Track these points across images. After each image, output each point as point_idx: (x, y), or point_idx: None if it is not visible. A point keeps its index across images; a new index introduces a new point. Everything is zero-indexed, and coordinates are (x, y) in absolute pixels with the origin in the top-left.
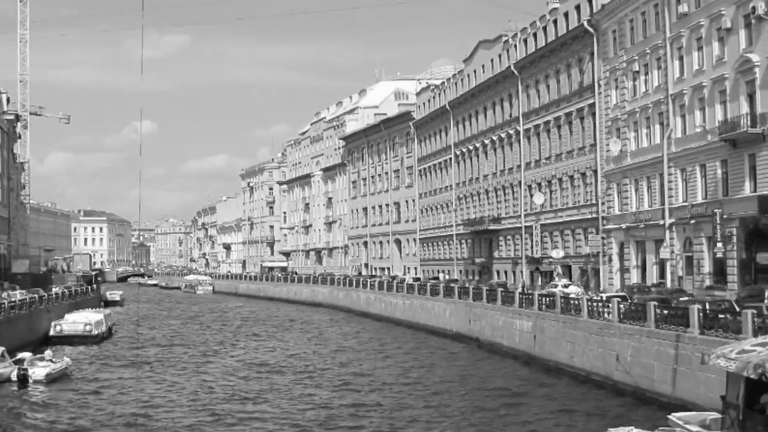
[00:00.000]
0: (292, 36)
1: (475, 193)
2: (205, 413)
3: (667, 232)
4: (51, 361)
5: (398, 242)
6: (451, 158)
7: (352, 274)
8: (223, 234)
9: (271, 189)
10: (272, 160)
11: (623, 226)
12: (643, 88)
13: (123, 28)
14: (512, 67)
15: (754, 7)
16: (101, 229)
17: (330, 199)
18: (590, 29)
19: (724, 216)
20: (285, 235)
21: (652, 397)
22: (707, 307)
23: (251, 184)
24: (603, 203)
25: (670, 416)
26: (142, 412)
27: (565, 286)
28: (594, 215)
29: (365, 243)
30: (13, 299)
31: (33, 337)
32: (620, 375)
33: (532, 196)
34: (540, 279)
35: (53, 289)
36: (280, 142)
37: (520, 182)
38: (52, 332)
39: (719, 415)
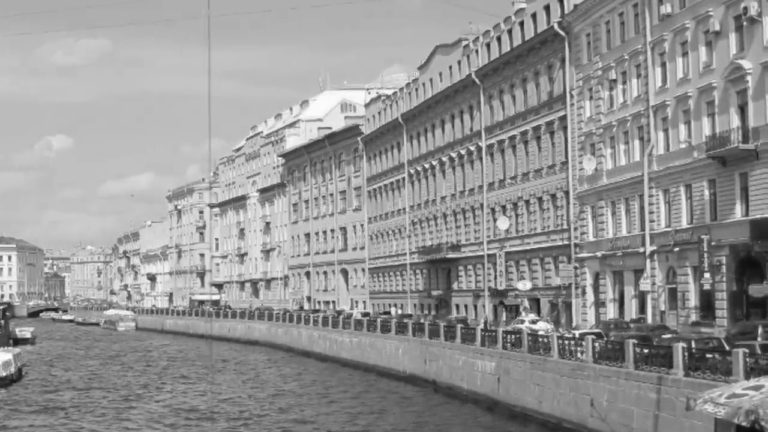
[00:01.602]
0: (225, 40)
1: (432, 217)
2: None
3: (648, 261)
4: None
5: (345, 272)
6: (404, 178)
7: (292, 308)
8: (147, 263)
9: (201, 212)
10: (203, 179)
11: (598, 254)
12: (620, 98)
13: (34, 31)
14: (473, 75)
15: (745, 8)
16: (9, 257)
17: (268, 224)
18: (561, 32)
19: (712, 243)
20: (217, 264)
21: None
22: (693, 345)
23: (179, 207)
24: (576, 229)
25: None
26: None
27: (533, 322)
28: (566, 242)
29: (308, 273)
30: None
31: None
32: (595, 422)
33: (495, 220)
34: (505, 314)
35: None
36: (211, 160)
37: (482, 205)
38: None
39: None
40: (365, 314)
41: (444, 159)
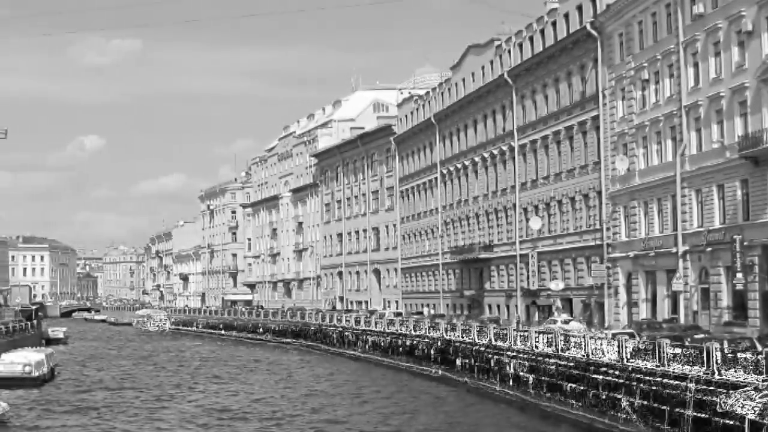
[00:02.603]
0: (257, 40)
1: (464, 217)
2: None
3: (681, 261)
4: None
5: (377, 272)
6: (436, 178)
7: (325, 308)
8: (179, 263)
9: (233, 213)
10: (235, 180)
11: (631, 254)
12: (653, 98)
13: (66, 31)
14: (506, 75)
15: None
16: (42, 257)
17: (300, 224)
18: (594, 32)
19: (745, 243)
20: (249, 264)
21: None
22: (725, 345)
23: (211, 207)
24: (608, 229)
25: None
26: None
27: (566, 322)
28: (598, 242)
29: (340, 273)
30: None
31: None
32: (628, 423)
33: (528, 220)
34: (537, 314)
35: None
36: (243, 160)
37: (514, 205)
38: None
39: None
40: (398, 314)
41: (476, 159)
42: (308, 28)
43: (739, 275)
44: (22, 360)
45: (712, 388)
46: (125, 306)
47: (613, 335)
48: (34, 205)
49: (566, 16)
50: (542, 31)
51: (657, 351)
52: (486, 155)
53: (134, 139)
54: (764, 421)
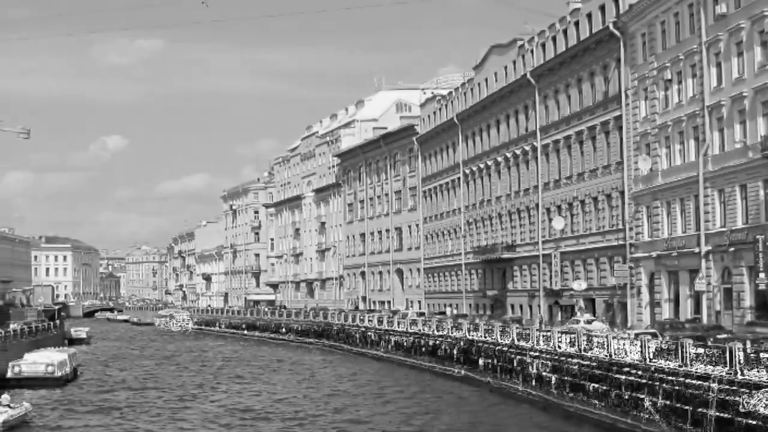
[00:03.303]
0: (279, 40)
1: (487, 217)
2: None
3: (703, 261)
4: (8, 406)
5: (400, 273)
6: (459, 178)
7: (348, 308)
8: (202, 263)
9: (256, 213)
10: (258, 180)
11: (653, 254)
12: (676, 98)
13: (89, 32)
14: (528, 75)
15: None
16: (65, 257)
17: (323, 223)
18: (616, 32)
19: (767, 243)
20: (272, 264)
21: None
22: (748, 345)
23: (234, 207)
24: (631, 229)
25: None
26: None
27: (588, 322)
28: (621, 242)
29: (363, 273)
30: None
31: None
32: (651, 423)
33: (550, 220)
34: (560, 314)
35: (11, 326)
36: (266, 160)
37: (537, 205)
38: (9, 374)
39: None
40: (420, 314)
41: (499, 159)
42: (331, 28)
43: (762, 275)
44: (45, 360)
45: (734, 388)
46: (148, 306)
47: (636, 335)
48: (56, 205)
49: (589, 16)
50: (565, 31)
51: (680, 351)
52: (509, 155)
53: (157, 139)
54: None
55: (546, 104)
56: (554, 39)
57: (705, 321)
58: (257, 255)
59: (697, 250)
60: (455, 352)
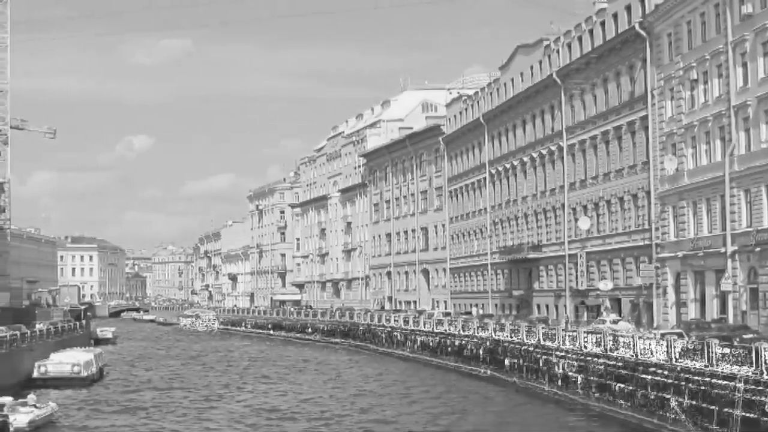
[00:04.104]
0: (305, 40)
1: (513, 217)
2: None
3: (729, 261)
4: (34, 406)
5: (426, 273)
6: (485, 178)
7: (373, 308)
8: (228, 263)
9: (282, 213)
10: (284, 180)
11: (679, 254)
12: (701, 98)
13: (116, 32)
14: (554, 75)
15: None
16: (91, 257)
17: (349, 224)
18: (642, 32)
19: None
20: (298, 264)
21: None
22: None
23: (260, 207)
24: (657, 229)
25: None
26: None
27: (614, 322)
28: (647, 242)
29: (389, 273)
30: None
31: (14, 379)
32: (677, 423)
33: (576, 220)
34: (586, 314)
35: (37, 326)
36: (292, 160)
37: (563, 205)
38: (35, 374)
39: None
40: (446, 314)
41: (525, 159)
42: (357, 28)
43: None
44: (71, 360)
45: (760, 388)
46: (174, 306)
47: (662, 335)
48: (82, 205)
49: (615, 16)
50: (591, 31)
51: (706, 351)
52: (535, 155)
53: (183, 138)
54: None
55: (572, 104)
56: (580, 39)
57: (731, 321)
58: (283, 255)
59: (723, 250)
60: (481, 352)
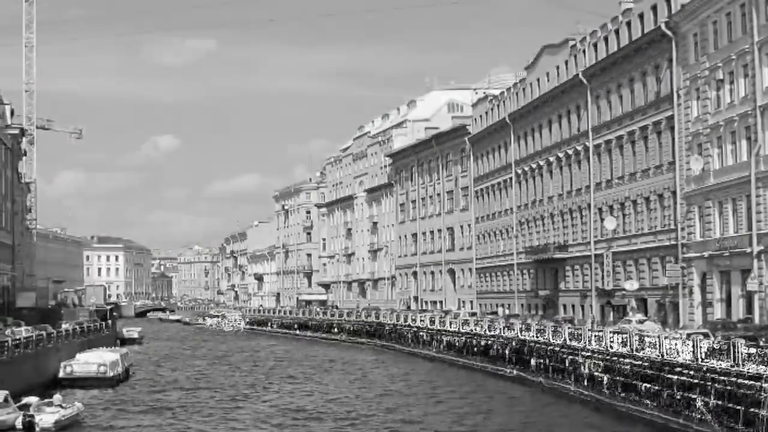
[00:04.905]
0: (331, 40)
1: (539, 217)
2: None
3: (755, 261)
4: (60, 406)
5: (452, 273)
6: (511, 178)
7: (399, 308)
8: (254, 263)
9: (308, 213)
10: (310, 179)
11: (705, 254)
12: (728, 98)
13: (141, 32)
14: (580, 75)
15: None
16: (117, 257)
17: (375, 224)
18: (668, 32)
19: None
20: (324, 264)
21: None
22: None
23: (286, 207)
24: (683, 229)
25: None
26: None
27: (640, 322)
28: (673, 242)
29: (415, 273)
30: (17, 337)
31: (40, 379)
32: (703, 423)
33: (602, 220)
34: (612, 314)
35: (63, 326)
36: (318, 160)
37: (589, 205)
38: (61, 374)
39: None
40: (472, 314)
41: (551, 159)
42: (383, 28)
43: None
44: (97, 360)
45: None
46: (200, 306)
47: (688, 335)
48: (108, 205)
49: (641, 16)
50: (617, 31)
51: (732, 351)
52: (561, 155)
53: (209, 138)
54: None
55: (598, 104)
56: (606, 39)
57: (757, 321)
58: (309, 255)
59: (749, 250)
60: (507, 352)
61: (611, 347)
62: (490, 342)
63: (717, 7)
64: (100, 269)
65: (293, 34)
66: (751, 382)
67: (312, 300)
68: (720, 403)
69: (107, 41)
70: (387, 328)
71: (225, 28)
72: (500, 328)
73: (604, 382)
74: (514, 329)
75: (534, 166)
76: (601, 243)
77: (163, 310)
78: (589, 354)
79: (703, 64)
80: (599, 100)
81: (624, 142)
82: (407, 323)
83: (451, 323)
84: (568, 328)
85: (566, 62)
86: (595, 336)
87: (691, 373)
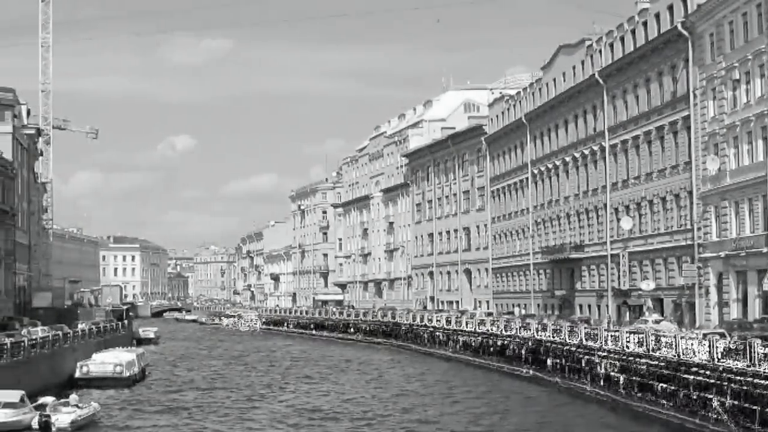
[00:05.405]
0: (348, 40)
1: (555, 217)
2: None
3: None
4: (77, 406)
5: (468, 272)
6: (527, 178)
7: (415, 308)
8: (270, 263)
9: (324, 213)
10: (326, 180)
11: (722, 254)
12: (744, 98)
13: (157, 31)
14: (596, 75)
15: None
16: (133, 257)
17: (391, 223)
18: (684, 32)
19: None
20: (340, 264)
21: None
22: None
23: (302, 207)
24: (699, 229)
25: None
26: None
27: (657, 322)
28: (689, 242)
29: (431, 273)
30: (33, 337)
31: (56, 379)
32: (719, 423)
33: (619, 220)
34: (628, 314)
35: (79, 326)
36: (334, 160)
37: (605, 205)
38: (77, 374)
39: None
40: (488, 314)
41: (567, 159)
42: (399, 28)
43: None
44: (113, 360)
45: None
46: (216, 306)
47: (704, 335)
48: (124, 205)
49: (657, 16)
50: (633, 31)
51: (748, 351)
52: (577, 155)
53: (225, 138)
54: None
55: (614, 104)
56: (622, 39)
57: None
58: (325, 255)
59: (765, 249)
60: (523, 352)
61: (627, 347)
62: (506, 342)
63: (733, 7)
64: (116, 269)
65: (309, 34)
66: None
67: (328, 300)
68: (736, 403)
69: (123, 41)
70: (403, 328)
71: (241, 27)
72: (516, 328)
73: (621, 382)
74: (530, 329)
75: (550, 166)
76: (617, 243)
77: (179, 310)
78: (605, 354)
79: (719, 64)
80: (615, 100)
81: (640, 142)
82: (423, 323)
83: (467, 323)
84: (585, 328)
85: (582, 62)
86: (612, 336)
87: (708, 373)
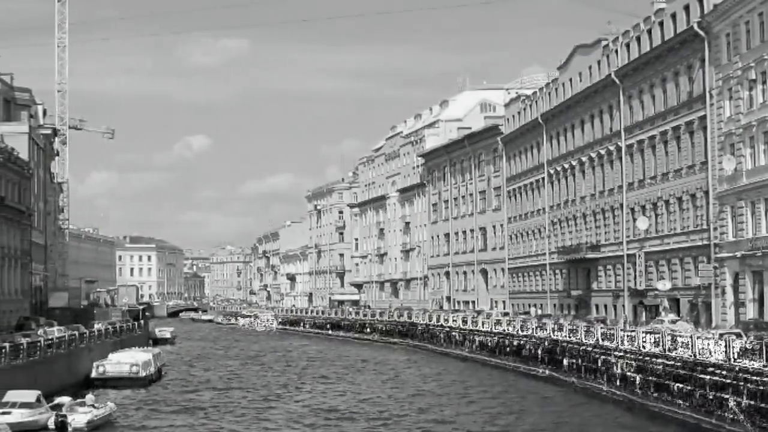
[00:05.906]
0: (364, 40)
1: (571, 217)
2: None
3: None
4: (93, 406)
5: (484, 273)
6: (543, 178)
7: (432, 308)
8: (286, 263)
9: (340, 213)
10: (342, 180)
11: (738, 254)
12: (760, 98)
13: (174, 31)
14: (613, 75)
15: None
16: (149, 257)
17: (407, 223)
18: (701, 32)
19: None
20: (357, 264)
21: None
22: None
23: (318, 207)
24: (715, 229)
25: None
26: None
27: (673, 322)
28: (705, 242)
29: (447, 273)
30: (50, 337)
31: (72, 379)
32: (735, 423)
33: (635, 220)
34: (644, 314)
35: (95, 326)
36: (351, 160)
37: (621, 205)
38: (94, 374)
39: None
40: (505, 314)
41: (583, 159)
42: (416, 29)
43: None
44: (130, 360)
45: None
46: (232, 305)
47: (720, 335)
48: (141, 205)
49: (673, 16)
50: (649, 31)
51: (764, 351)
52: (593, 155)
53: (241, 139)
54: None
55: (630, 104)
56: (638, 39)
57: None
58: (341, 255)
59: None
60: (540, 352)
61: (644, 347)
62: (522, 342)
63: (749, 7)
64: (132, 269)
65: (326, 34)
66: None
67: (344, 300)
68: (753, 403)
69: (139, 41)
70: (419, 328)
71: (258, 27)
72: (533, 328)
73: (637, 382)
74: (546, 329)
75: (566, 166)
76: (633, 243)
77: (195, 310)
78: (621, 354)
79: (735, 64)
80: (631, 100)
81: (656, 142)
82: (440, 323)
83: (483, 323)
84: (601, 328)
85: (599, 62)
86: (628, 336)
87: (724, 373)
